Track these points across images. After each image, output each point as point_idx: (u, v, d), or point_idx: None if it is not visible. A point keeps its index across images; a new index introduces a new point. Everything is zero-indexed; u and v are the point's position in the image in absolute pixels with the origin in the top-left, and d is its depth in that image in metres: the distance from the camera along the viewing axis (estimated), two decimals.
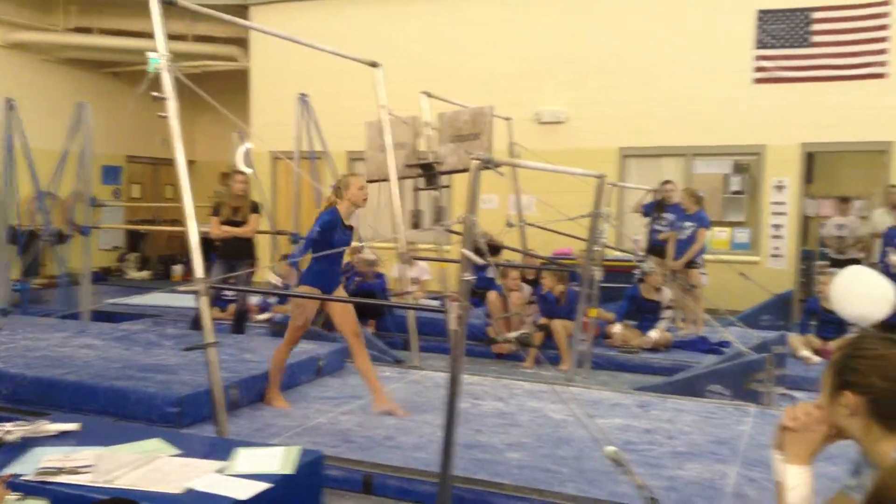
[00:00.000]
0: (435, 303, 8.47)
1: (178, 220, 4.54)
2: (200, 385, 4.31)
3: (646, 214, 8.39)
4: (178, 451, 2.68)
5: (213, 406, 3.83)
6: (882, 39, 8.90)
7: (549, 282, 7.06)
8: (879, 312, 5.39)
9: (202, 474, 2.44)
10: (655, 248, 7.92)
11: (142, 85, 3.86)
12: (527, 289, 7.31)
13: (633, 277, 7.67)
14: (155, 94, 3.82)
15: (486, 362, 6.79)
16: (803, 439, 1.63)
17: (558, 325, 6.82)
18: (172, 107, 3.82)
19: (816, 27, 9.14)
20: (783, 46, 9.31)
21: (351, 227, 4.67)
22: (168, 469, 2.52)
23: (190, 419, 4.30)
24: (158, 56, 3.81)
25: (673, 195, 8.03)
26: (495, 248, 7.24)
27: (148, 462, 2.57)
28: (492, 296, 7.38)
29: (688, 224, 7.64)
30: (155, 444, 2.77)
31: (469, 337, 6.44)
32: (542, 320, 6.99)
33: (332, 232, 4.49)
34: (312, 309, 4.71)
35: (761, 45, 9.40)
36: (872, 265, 7.92)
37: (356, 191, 4.53)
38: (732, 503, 3.30)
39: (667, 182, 8.14)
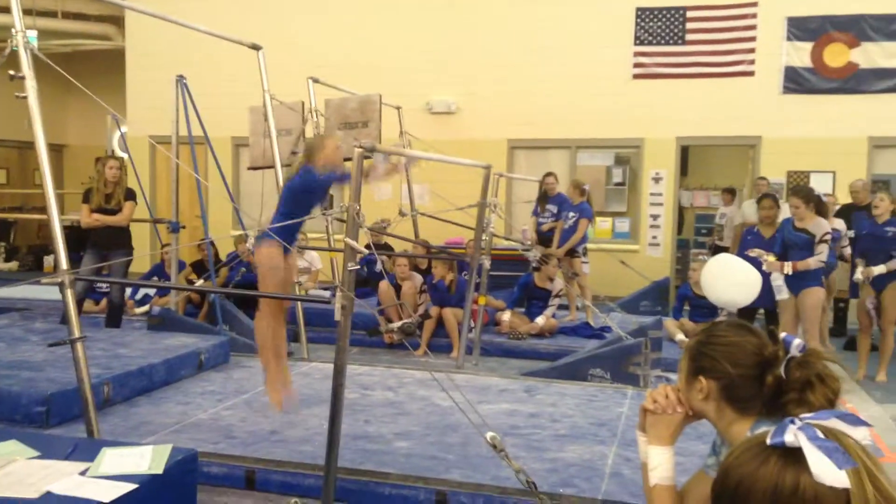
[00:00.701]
0: (325, 293, 8.36)
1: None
2: (70, 382, 4.05)
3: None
4: (36, 454, 2.50)
5: (83, 405, 3.61)
6: (750, 39, 9.46)
7: (440, 271, 7.10)
8: (744, 298, 5.73)
9: (63, 477, 2.28)
10: (541, 238, 8.10)
11: None
12: (418, 278, 7.32)
13: (529, 266, 7.82)
14: (11, 72, 3.53)
15: (377, 352, 6.77)
16: (663, 421, 1.69)
17: (448, 314, 6.88)
18: (31, 87, 3.54)
19: (690, 25, 9.61)
20: (660, 43, 9.73)
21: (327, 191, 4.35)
22: (25, 472, 2.34)
23: (58, 419, 4.04)
24: (16, 31, 3.53)
25: (555, 187, 8.24)
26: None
27: (1, 466, 2.38)
28: (383, 285, 7.35)
29: (571, 214, 7.86)
30: (10, 447, 2.57)
31: (361, 327, 6.44)
32: (433, 309, 7.03)
33: (312, 192, 4.17)
34: (281, 263, 4.23)
35: (639, 41, 9.79)
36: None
37: (331, 151, 4.15)
38: (610, 483, 3.42)
39: (548, 174, 8.34)
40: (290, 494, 3.46)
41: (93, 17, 11.99)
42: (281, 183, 6.37)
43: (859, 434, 1.02)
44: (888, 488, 0.96)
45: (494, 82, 10.16)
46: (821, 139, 9.30)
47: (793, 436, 0.96)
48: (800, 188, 6.03)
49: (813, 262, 5.53)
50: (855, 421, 1.05)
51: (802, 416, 1.02)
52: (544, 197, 8.27)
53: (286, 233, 4.15)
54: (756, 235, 6.28)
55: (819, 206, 5.75)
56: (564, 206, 8.10)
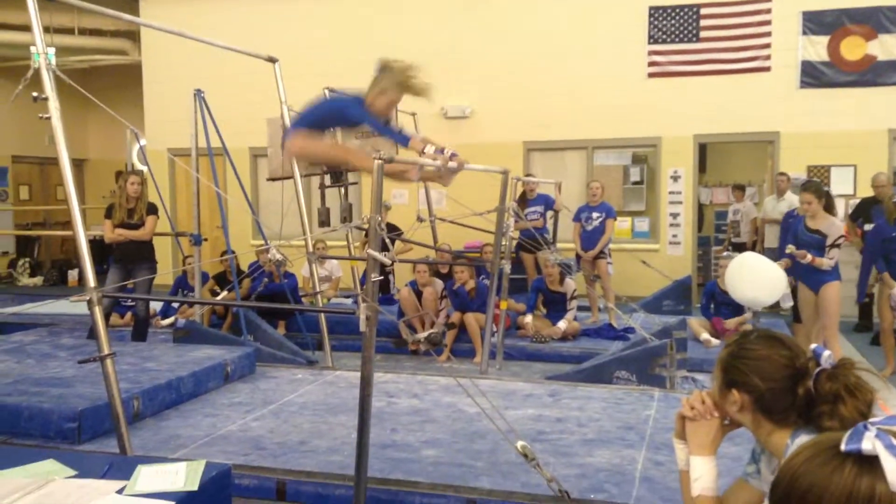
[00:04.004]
0: (348, 301, 8.39)
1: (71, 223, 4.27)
2: (100, 398, 4.10)
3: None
4: (73, 473, 2.53)
5: (114, 421, 3.65)
6: (765, 34, 9.39)
7: (462, 276, 7.09)
8: (768, 297, 5.69)
9: (100, 496, 2.31)
10: (524, 242, 7.51)
11: (20, 84, 3.60)
12: (439, 283, 7.33)
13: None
14: (35, 94, 3.58)
15: (401, 358, 6.79)
16: (702, 429, 1.68)
17: (471, 319, 6.88)
18: (54, 108, 3.59)
19: (705, 23, 9.55)
20: (674, 42, 9.68)
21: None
22: (63, 493, 2.37)
23: (90, 434, 4.10)
24: (38, 52, 3.58)
25: (534, 189, 8.23)
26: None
27: (40, 486, 2.41)
28: (404, 292, 7.37)
29: (595, 214, 7.84)
30: (48, 466, 2.61)
31: (384, 334, 6.46)
32: (455, 315, 7.03)
33: (343, 120, 3.80)
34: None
35: (653, 40, 9.74)
36: (765, 250, 8.37)
37: (389, 103, 3.73)
38: (640, 488, 3.40)
39: (528, 175, 8.31)
40: None
41: (109, 33, 12.13)
42: (301, 192, 6.41)
43: None
44: None
45: (508, 85, 10.15)
46: (840, 133, 9.21)
47: (870, 443, 0.95)
48: (811, 183, 5.93)
49: (826, 264, 5.49)
50: None
51: (873, 421, 1.01)
52: (523, 199, 8.19)
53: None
54: (797, 219, 6.08)
55: (829, 202, 5.67)
56: (550, 205, 8.21)
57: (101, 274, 6.30)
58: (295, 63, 8.57)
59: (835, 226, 5.50)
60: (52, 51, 3.77)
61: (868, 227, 7.19)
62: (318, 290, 6.47)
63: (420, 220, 8.57)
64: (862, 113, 9.13)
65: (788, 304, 5.95)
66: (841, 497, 0.95)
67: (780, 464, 1.05)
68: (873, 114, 9.10)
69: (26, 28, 3.65)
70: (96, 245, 8.23)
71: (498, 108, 10.22)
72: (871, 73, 9.13)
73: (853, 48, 9.17)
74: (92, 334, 6.04)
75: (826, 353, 1.56)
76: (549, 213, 8.44)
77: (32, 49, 3.65)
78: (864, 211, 7.54)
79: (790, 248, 5.60)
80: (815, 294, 5.63)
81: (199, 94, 6.78)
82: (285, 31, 10.57)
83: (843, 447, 0.97)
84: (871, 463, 0.95)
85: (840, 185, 9.11)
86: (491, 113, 10.29)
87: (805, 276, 5.70)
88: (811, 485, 0.98)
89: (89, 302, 3.59)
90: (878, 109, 9.08)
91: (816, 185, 5.77)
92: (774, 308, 6.97)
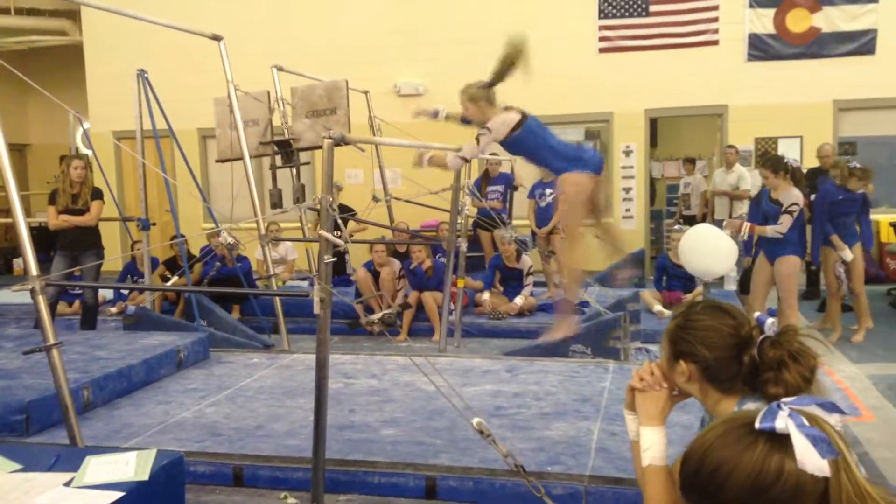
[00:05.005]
0: (303, 283, 8.30)
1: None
2: (48, 388, 3.98)
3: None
4: (18, 467, 2.46)
5: (63, 412, 3.56)
6: (713, 7, 9.48)
7: (419, 255, 7.07)
8: (721, 268, 5.79)
9: (47, 489, 2.25)
10: (481, 221, 7.63)
11: None
12: (396, 263, 7.30)
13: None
14: None
15: (359, 339, 6.75)
16: (651, 399, 1.70)
17: (428, 298, 6.88)
18: None
19: None
20: (624, 16, 9.72)
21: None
22: (8, 487, 2.30)
23: (39, 426, 3.99)
24: None
25: (496, 168, 8.27)
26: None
27: None
28: (361, 273, 7.32)
29: (548, 191, 7.87)
30: None
31: (341, 316, 6.41)
32: (412, 294, 7.02)
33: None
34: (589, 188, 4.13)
35: (603, 15, 9.77)
36: (715, 221, 8.52)
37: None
38: (596, 458, 3.45)
39: (492, 154, 8.32)
40: (280, 489, 3.46)
41: (47, 13, 11.67)
42: (251, 174, 6.29)
43: (833, 420, 1.04)
44: (860, 479, 0.98)
45: (460, 62, 10.01)
46: (787, 105, 9.38)
47: (783, 422, 0.97)
48: (768, 158, 5.98)
49: (770, 231, 5.52)
50: (831, 408, 1.07)
51: (786, 400, 1.03)
52: (486, 177, 8.25)
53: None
54: (763, 191, 6.12)
55: (794, 174, 5.72)
56: (510, 182, 8.20)
57: (47, 262, 6.12)
58: (240, 41, 8.36)
59: (790, 195, 5.56)
60: None
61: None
62: (272, 273, 6.38)
63: (376, 199, 8.50)
64: (807, 85, 9.31)
65: (732, 287, 6.01)
66: (751, 473, 0.97)
67: (694, 438, 1.06)
68: (818, 85, 9.28)
69: None
70: (41, 232, 7.99)
71: (451, 85, 9.94)
72: (816, 45, 9.30)
73: (798, 21, 9.32)
74: (38, 324, 5.89)
75: (769, 320, 1.58)
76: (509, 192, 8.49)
77: None
78: (810, 180, 7.70)
79: (726, 222, 5.63)
80: (771, 265, 5.72)
81: (142, 73, 6.57)
82: (230, 9, 10.30)
83: (757, 425, 0.99)
84: (781, 442, 0.97)
85: (787, 156, 9.29)
86: (444, 90, 10.10)
87: (765, 246, 5.77)
88: (722, 461, 0.99)
89: (32, 291, 3.47)
90: (823, 81, 9.27)
91: (773, 160, 5.78)
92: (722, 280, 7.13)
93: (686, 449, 1.06)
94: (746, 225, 5.58)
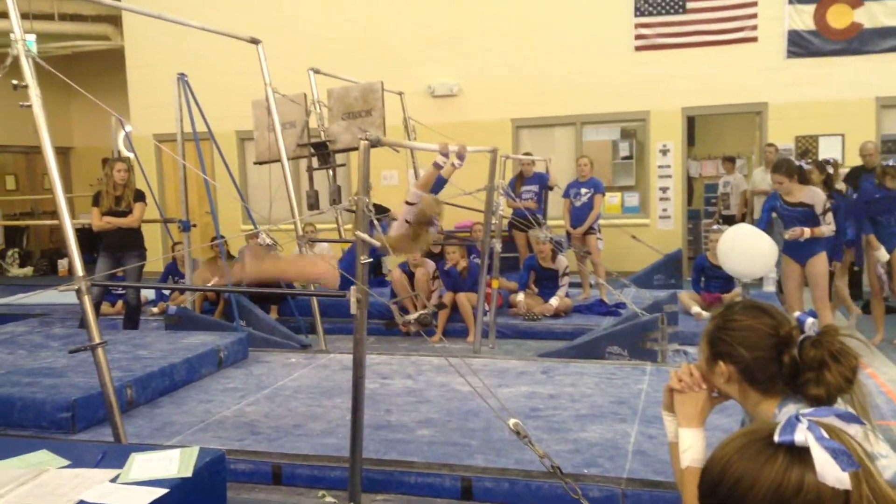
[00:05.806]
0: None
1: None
2: (93, 387, 4.10)
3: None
4: (66, 463, 2.53)
5: (107, 410, 3.65)
6: (752, 4, 9.33)
7: (454, 257, 7.08)
8: (760, 269, 5.70)
9: (94, 485, 2.31)
10: (516, 221, 7.55)
11: None
12: (431, 264, 7.32)
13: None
14: (15, 82, 3.53)
15: (395, 340, 6.79)
16: (690, 400, 1.69)
17: (463, 299, 6.88)
18: (35, 95, 3.54)
19: None
20: (660, 14, 9.62)
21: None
22: (57, 483, 2.37)
23: (84, 423, 4.10)
24: (16, 39, 3.52)
25: (531, 168, 8.21)
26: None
27: (34, 477, 2.41)
28: (396, 273, 7.36)
29: (584, 190, 7.83)
30: (41, 457, 2.60)
31: (377, 316, 6.45)
32: (447, 295, 7.03)
33: None
34: None
35: (640, 13, 9.68)
36: (754, 221, 8.38)
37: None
38: (633, 461, 3.43)
39: (525, 153, 8.28)
40: (318, 488, 3.50)
41: (90, 18, 11.95)
42: (289, 176, 6.37)
43: (852, 431, 1.03)
44: (883, 487, 0.97)
45: (495, 62, 10.08)
46: (827, 102, 9.19)
47: (803, 435, 0.96)
48: (780, 163, 5.78)
49: (827, 231, 5.45)
50: (850, 419, 1.06)
51: (804, 412, 1.02)
52: (520, 177, 8.20)
53: None
54: (774, 195, 6.03)
55: (801, 175, 5.62)
56: (544, 182, 8.15)
57: (91, 263, 6.27)
58: (279, 44, 8.48)
59: (817, 193, 5.48)
60: (31, 37, 3.71)
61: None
62: None
63: None
64: (849, 82, 9.11)
65: (771, 288, 5.92)
66: (771, 487, 0.96)
67: (714, 450, 1.05)
68: (860, 82, 9.08)
69: (4, 15, 3.59)
70: (85, 234, 8.18)
71: (485, 86, 10.15)
72: (858, 42, 9.10)
73: (839, 16, 9.13)
74: (83, 323, 6.04)
75: (810, 320, 1.56)
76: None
77: (11, 36, 3.60)
78: (853, 179, 7.54)
79: (788, 234, 5.52)
80: (801, 266, 5.61)
81: (182, 77, 6.70)
82: (268, 12, 10.45)
83: (776, 438, 0.98)
84: (801, 455, 0.96)
85: (828, 154, 9.07)
86: (478, 90, 10.22)
87: (790, 250, 5.67)
88: (742, 474, 0.99)
89: (78, 291, 3.57)
90: (865, 78, 9.07)
91: (785, 165, 5.61)
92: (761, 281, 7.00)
93: (706, 460, 1.06)
94: (806, 230, 5.47)
